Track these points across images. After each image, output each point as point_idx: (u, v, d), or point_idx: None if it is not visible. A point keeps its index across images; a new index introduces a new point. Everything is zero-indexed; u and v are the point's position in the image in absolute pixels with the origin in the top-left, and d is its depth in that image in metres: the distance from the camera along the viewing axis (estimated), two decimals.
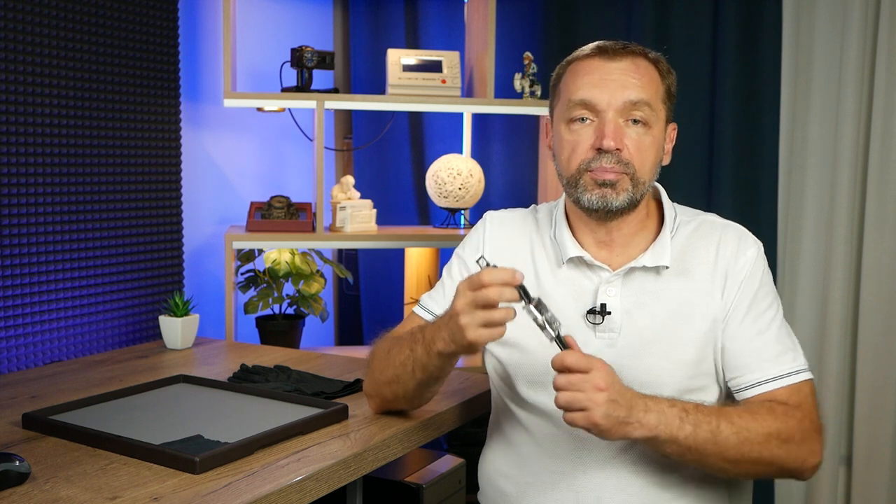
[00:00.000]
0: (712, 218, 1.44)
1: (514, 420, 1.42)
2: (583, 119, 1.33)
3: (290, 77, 2.48)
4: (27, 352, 1.94)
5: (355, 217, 2.42)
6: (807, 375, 1.33)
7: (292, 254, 2.45)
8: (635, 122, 1.32)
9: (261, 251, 2.47)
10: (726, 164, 2.51)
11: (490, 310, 1.16)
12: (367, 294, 3.00)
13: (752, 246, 1.38)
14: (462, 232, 2.53)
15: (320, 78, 2.55)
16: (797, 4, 2.49)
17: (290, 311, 2.52)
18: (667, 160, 1.40)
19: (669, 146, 1.41)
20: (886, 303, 2.39)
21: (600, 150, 1.30)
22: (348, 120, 3.00)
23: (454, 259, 1.53)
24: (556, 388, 1.16)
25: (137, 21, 2.19)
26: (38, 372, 1.84)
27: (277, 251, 2.43)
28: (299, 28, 2.85)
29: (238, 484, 1.19)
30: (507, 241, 1.48)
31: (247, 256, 2.45)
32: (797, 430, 1.27)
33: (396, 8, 2.91)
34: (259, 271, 2.46)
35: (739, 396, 1.34)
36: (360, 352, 2.52)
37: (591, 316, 1.35)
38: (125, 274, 2.19)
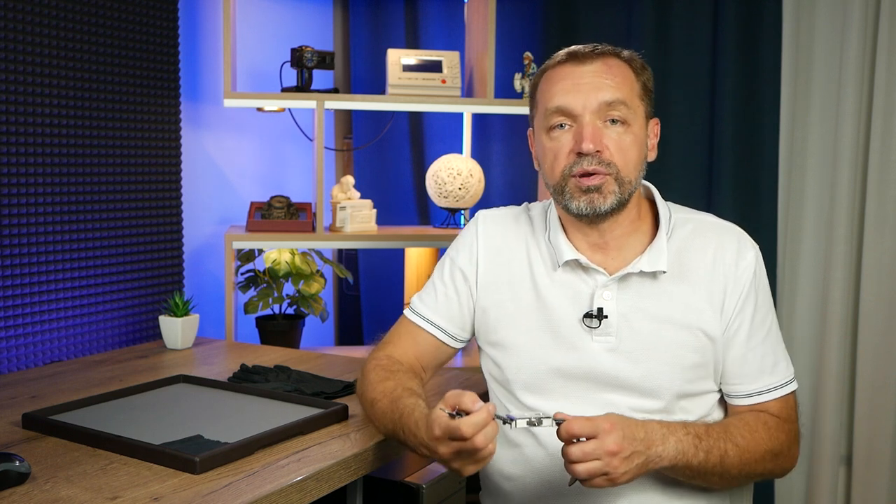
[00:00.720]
0: (709, 218, 1.43)
1: None
2: (561, 125, 1.33)
3: (290, 77, 2.48)
4: (27, 352, 1.94)
5: (355, 217, 2.42)
6: (795, 385, 1.39)
7: (292, 254, 2.45)
8: (613, 122, 1.31)
9: (261, 251, 2.47)
10: (726, 164, 2.51)
11: (477, 451, 1.13)
12: (367, 294, 3.00)
13: (750, 249, 1.38)
14: None
15: (320, 78, 2.55)
16: (797, 4, 2.49)
17: (290, 311, 2.52)
18: (652, 156, 1.40)
19: (654, 141, 1.40)
20: (886, 303, 2.39)
21: (580, 154, 1.30)
22: (348, 120, 3.00)
23: (446, 261, 1.51)
24: (571, 461, 1.15)
25: (137, 21, 2.19)
26: (38, 372, 1.84)
27: (277, 251, 2.43)
28: (299, 28, 2.85)
29: (238, 484, 1.19)
30: (502, 241, 1.47)
31: (247, 256, 2.45)
32: (786, 443, 1.34)
33: (396, 8, 2.91)
34: (259, 271, 2.46)
35: (733, 402, 1.38)
36: (360, 352, 2.52)
37: (588, 320, 1.35)
38: (125, 274, 2.19)
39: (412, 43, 2.92)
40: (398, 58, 2.45)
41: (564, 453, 1.15)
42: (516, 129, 2.82)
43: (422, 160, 2.94)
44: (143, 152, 2.23)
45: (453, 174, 2.53)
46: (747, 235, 1.41)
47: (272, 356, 2.00)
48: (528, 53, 2.52)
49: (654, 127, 1.41)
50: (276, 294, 2.43)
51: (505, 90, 2.61)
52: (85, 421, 1.42)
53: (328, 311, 2.56)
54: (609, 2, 2.65)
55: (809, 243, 2.52)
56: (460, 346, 1.51)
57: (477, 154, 2.87)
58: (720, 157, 2.52)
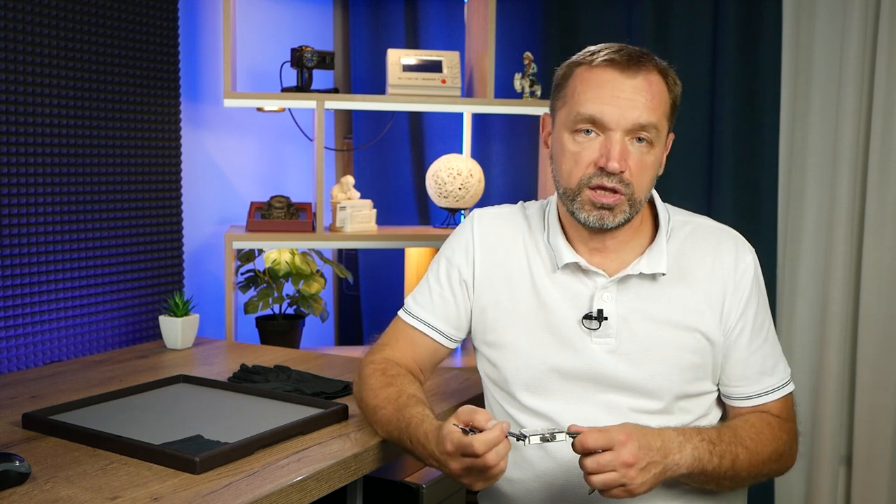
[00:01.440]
0: (706, 221, 1.44)
1: (514, 424, 1.41)
2: (588, 131, 1.29)
3: (290, 77, 2.47)
4: (27, 352, 1.94)
5: (355, 217, 2.42)
6: (792, 386, 1.41)
7: (292, 254, 2.45)
8: (639, 139, 1.29)
9: (261, 251, 2.47)
10: (726, 164, 2.51)
11: (488, 469, 1.13)
12: (367, 294, 3.00)
13: (748, 253, 1.39)
14: None
15: (320, 78, 2.55)
16: (797, 4, 2.49)
17: (290, 311, 2.52)
18: (660, 170, 1.38)
19: (665, 155, 1.38)
20: (886, 303, 2.39)
21: (602, 168, 1.28)
22: (348, 120, 3.00)
23: (441, 260, 1.49)
24: (587, 472, 1.15)
25: (137, 21, 2.19)
26: (38, 372, 1.84)
27: (277, 251, 2.43)
28: (299, 28, 2.85)
29: (238, 484, 1.19)
30: (498, 239, 1.45)
31: (247, 256, 2.45)
32: (788, 443, 1.35)
33: (396, 8, 2.91)
34: (259, 271, 2.46)
35: (734, 404, 1.39)
36: (359, 352, 2.51)
37: (587, 321, 1.35)
38: (125, 274, 2.19)
39: (412, 43, 2.92)
40: (398, 58, 2.45)
41: (581, 465, 1.15)
42: (516, 129, 2.82)
43: (422, 160, 2.94)
44: (143, 152, 2.23)
45: (453, 174, 2.53)
46: (744, 239, 1.42)
47: (272, 356, 2.00)
48: (528, 53, 2.52)
49: (669, 141, 1.38)
50: (276, 294, 2.43)
51: (505, 90, 2.61)
52: (85, 421, 1.42)
53: (328, 311, 2.56)
54: (609, 2, 2.66)
55: (809, 243, 2.52)
56: (456, 345, 1.51)
57: (477, 154, 2.87)
58: (720, 157, 2.52)
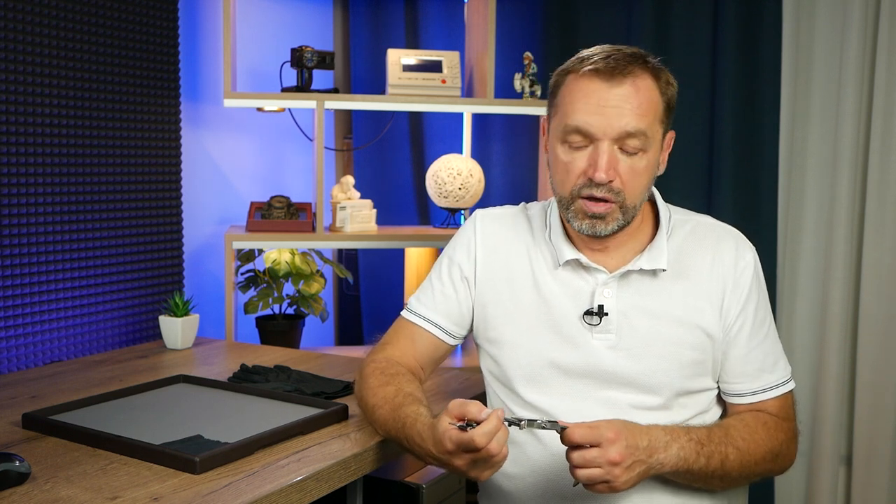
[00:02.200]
0: (707, 220, 1.44)
1: None
2: (577, 141, 1.30)
3: (290, 77, 2.47)
4: (27, 352, 1.94)
5: (355, 217, 2.42)
6: (792, 384, 1.41)
7: (292, 254, 2.45)
8: (629, 147, 1.28)
9: (261, 251, 2.47)
10: (726, 164, 2.51)
11: (492, 458, 1.15)
12: (367, 294, 3.00)
13: (749, 250, 1.40)
14: None
15: (320, 78, 2.55)
16: (797, 4, 2.48)
17: (290, 311, 2.52)
18: (662, 169, 1.38)
19: (665, 154, 1.38)
20: (886, 303, 2.39)
21: (592, 179, 1.28)
22: (348, 120, 3.00)
23: (444, 260, 1.51)
24: (573, 465, 1.17)
25: (137, 21, 2.19)
26: (38, 372, 1.84)
27: (277, 251, 2.43)
28: (299, 28, 2.85)
29: (238, 484, 1.19)
30: (500, 239, 1.47)
31: (247, 256, 2.45)
32: (785, 442, 1.35)
33: (396, 8, 2.91)
34: (259, 271, 2.46)
35: (733, 401, 1.39)
36: (360, 352, 2.52)
37: (588, 317, 1.36)
38: (125, 274, 2.19)
39: (412, 43, 2.92)
40: (398, 58, 2.45)
41: (567, 457, 1.18)
42: (516, 129, 2.82)
43: (422, 160, 2.94)
44: (143, 152, 2.23)
45: (453, 174, 2.53)
46: (744, 237, 1.42)
47: (272, 356, 2.00)
48: (528, 53, 2.52)
49: (669, 140, 1.37)
50: (276, 294, 2.43)
51: (505, 90, 2.61)
52: (85, 421, 1.42)
53: (328, 311, 2.56)
54: (609, 2, 2.66)
55: (809, 243, 2.52)
56: (457, 342, 1.51)
57: (477, 154, 2.87)
58: (720, 157, 2.52)
